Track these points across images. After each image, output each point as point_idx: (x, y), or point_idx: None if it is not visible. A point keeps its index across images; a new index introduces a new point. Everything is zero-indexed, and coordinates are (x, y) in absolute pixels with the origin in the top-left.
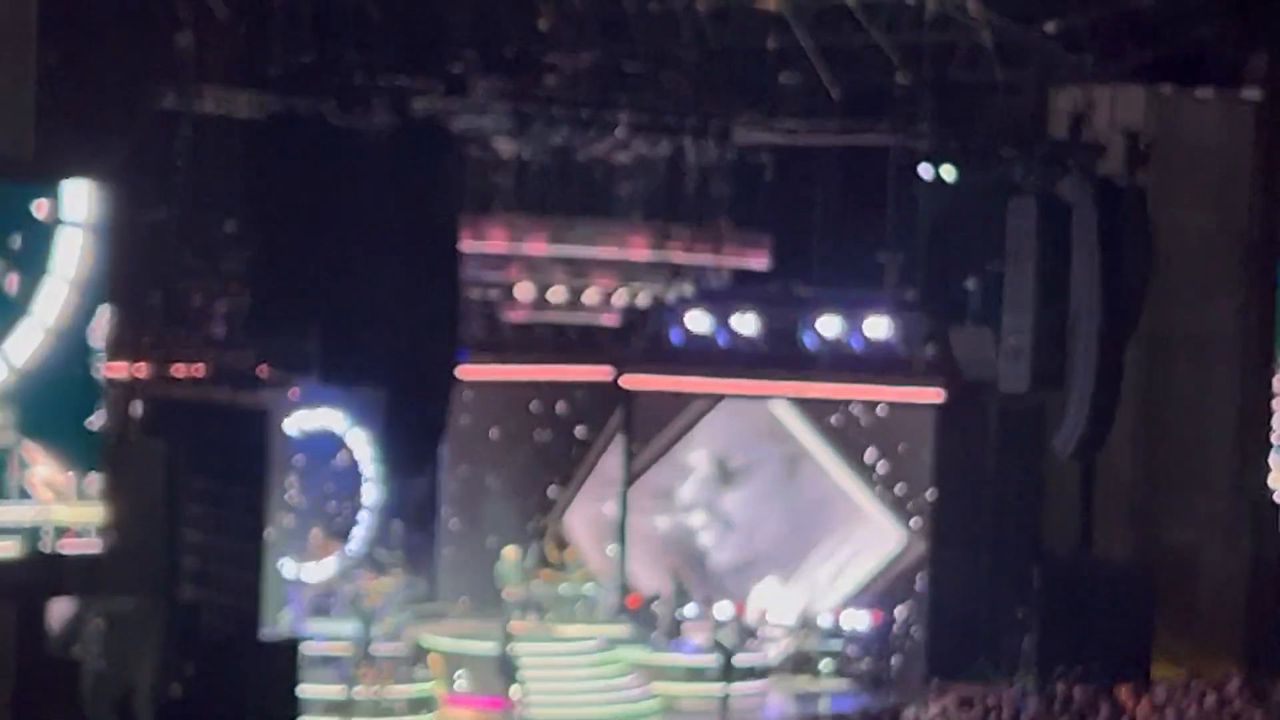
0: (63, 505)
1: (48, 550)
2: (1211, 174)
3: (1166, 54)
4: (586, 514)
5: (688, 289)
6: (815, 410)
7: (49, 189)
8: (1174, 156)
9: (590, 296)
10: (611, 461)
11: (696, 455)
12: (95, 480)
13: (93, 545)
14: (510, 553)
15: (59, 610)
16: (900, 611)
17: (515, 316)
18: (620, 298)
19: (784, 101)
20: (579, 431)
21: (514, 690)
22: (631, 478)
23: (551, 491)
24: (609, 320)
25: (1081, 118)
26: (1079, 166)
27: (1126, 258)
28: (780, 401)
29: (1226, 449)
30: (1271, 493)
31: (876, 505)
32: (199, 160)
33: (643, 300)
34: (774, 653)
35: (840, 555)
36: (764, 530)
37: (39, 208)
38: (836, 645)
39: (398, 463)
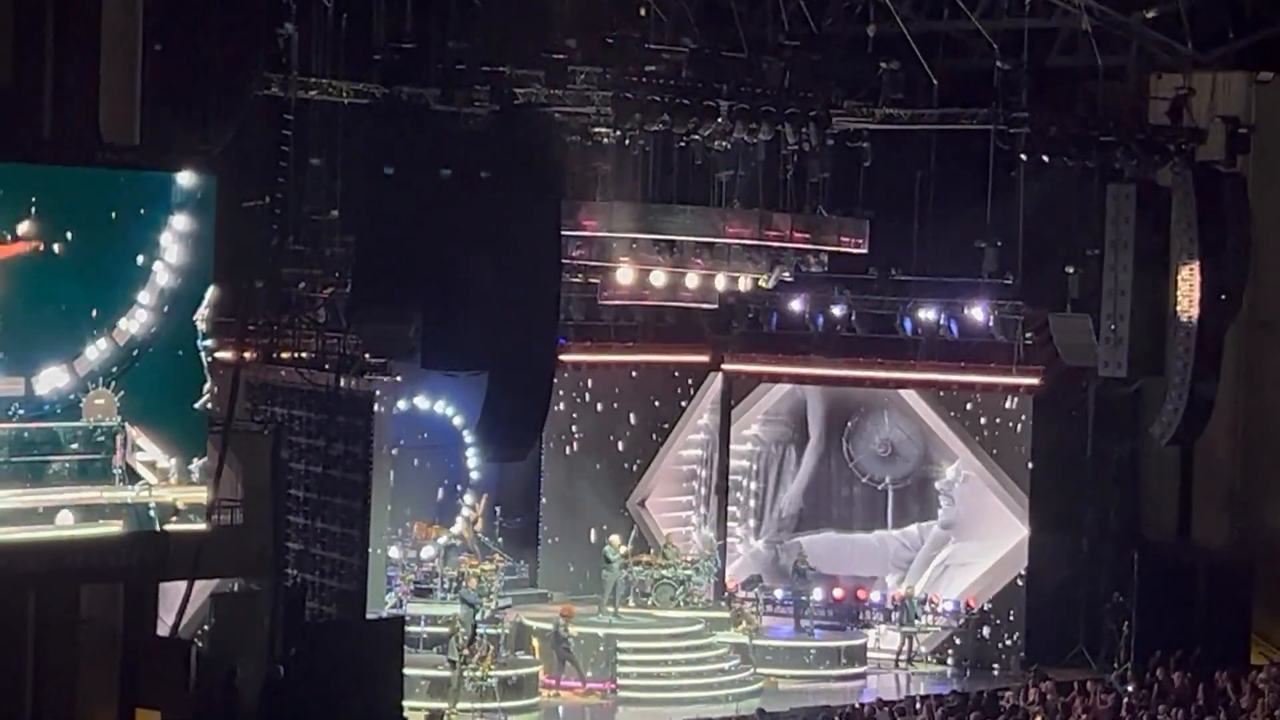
0: (168, 488)
1: (154, 532)
2: None
3: (1266, 39)
4: (684, 498)
5: (786, 274)
6: (940, 397)
7: (155, 176)
8: (1274, 142)
9: (689, 282)
10: (710, 444)
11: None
12: (200, 463)
13: (198, 528)
14: (615, 538)
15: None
16: (999, 596)
17: (615, 301)
18: (719, 283)
19: (883, 87)
20: (678, 416)
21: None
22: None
23: (650, 476)
24: (708, 305)
25: (1181, 103)
26: (1178, 152)
27: (1226, 243)
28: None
29: None
30: None
31: (1002, 493)
32: (303, 147)
33: (742, 285)
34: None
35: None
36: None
37: (145, 195)
38: (936, 629)
39: (499, 447)
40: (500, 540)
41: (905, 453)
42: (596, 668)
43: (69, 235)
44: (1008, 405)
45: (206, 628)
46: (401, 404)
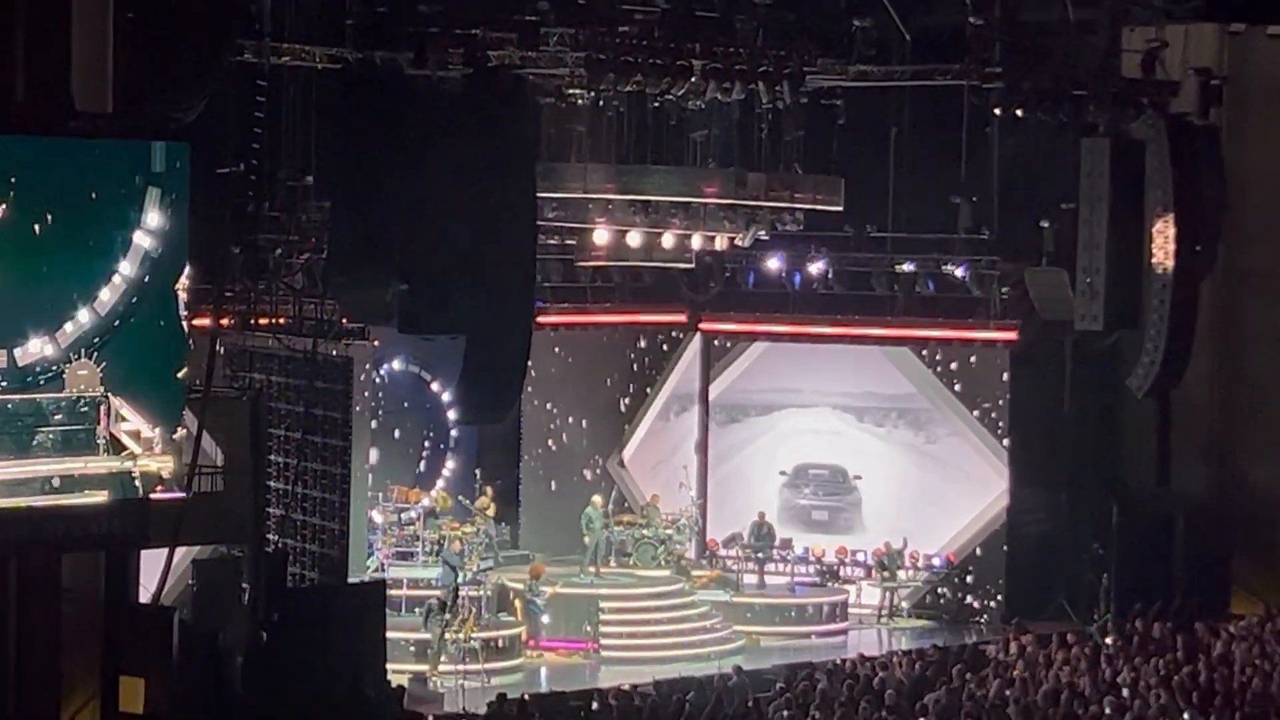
0: (153, 457)
1: (134, 500)
2: None
3: None
4: (664, 458)
5: (762, 233)
6: (917, 352)
7: (129, 145)
8: (1246, 93)
9: (665, 242)
10: (689, 404)
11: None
12: (181, 432)
13: (179, 495)
14: (597, 499)
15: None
16: (979, 550)
17: (591, 262)
18: (695, 242)
19: (856, 45)
20: (657, 376)
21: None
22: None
23: (630, 436)
24: (685, 265)
25: (1154, 56)
26: (1152, 105)
27: (1200, 195)
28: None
29: None
30: None
31: (981, 447)
32: (277, 113)
33: (718, 245)
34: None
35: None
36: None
37: (120, 164)
38: (917, 584)
39: (478, 410)
40: (482, 500)
41: None
42: (578, 628)
43: (49, 206)
44: (985, 360)
45: (189, 595)
46: (381, 368)
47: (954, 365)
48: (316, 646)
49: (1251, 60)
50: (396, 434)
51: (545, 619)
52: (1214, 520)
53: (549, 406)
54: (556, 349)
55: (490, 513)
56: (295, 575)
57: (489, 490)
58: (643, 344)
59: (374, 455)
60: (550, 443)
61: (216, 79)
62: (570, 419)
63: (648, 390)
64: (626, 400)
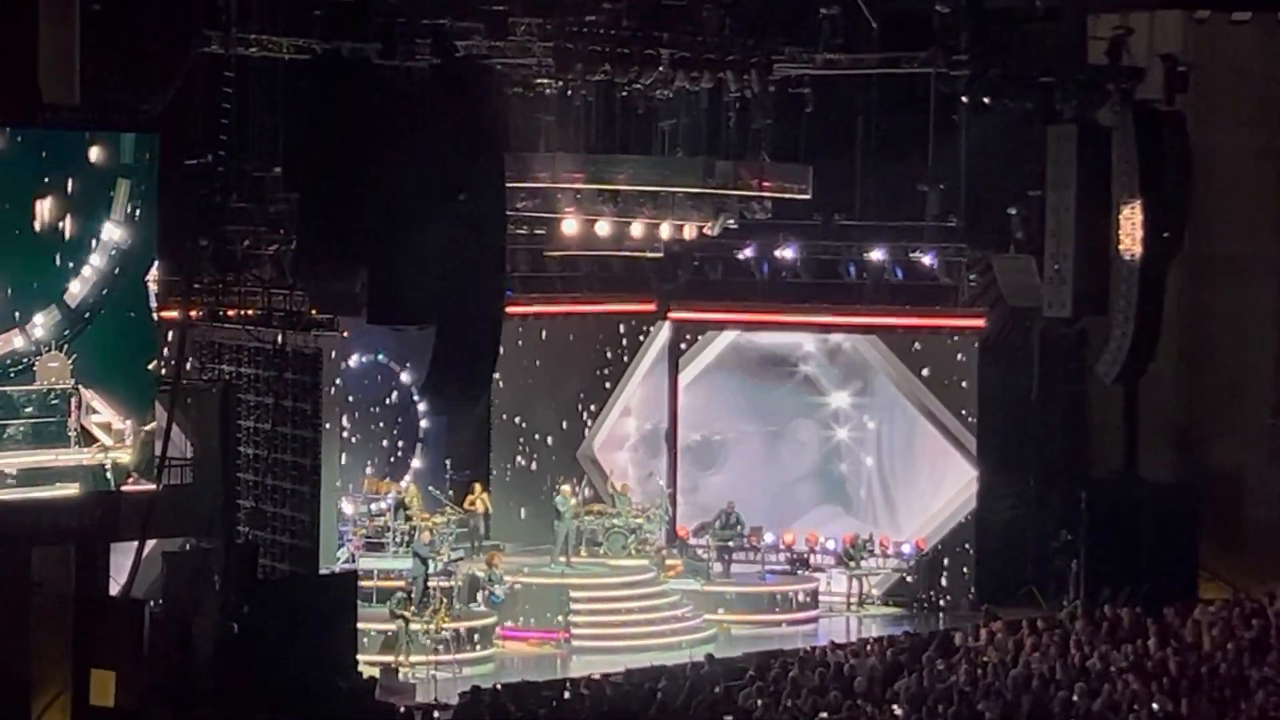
0: (123, 449)
1: (103, 493)
2: (1250, 96)
3: None
4: (634, 447)
5: (731, 221)
6: (886, 340)
7: (96, 137)
8: (1212, 79)
9: (634, 231)
10: (658, 394)
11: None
12: (151, 424)
13: (149, 488)
14: (566, 489)
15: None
16: (948, 537)
17: (560, 252)
18: (664, 231)
19: (823, 33)
20: (626, 366)
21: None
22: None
23: (600, 426)
24: (653, 254)
25: (1120, 43)
26: (1118, 91)
27: (1166, 181)
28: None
29: (1269, 368)
30: None
31: (950, 434)
32: (244, 105)
33: (687, 233)
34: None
35: (919, 485)
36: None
37: (88, 156)
38: (886, 572)
39: (447, 400)
40: (451, 493)
41: None
42: (549, 618)
43: (17, 199)
44: (953, 347)
45: (159, 587)
46: (350, 359)
47: (922, 353)
48: (287, 638)
49: (1217, 46)
50: (366, 425)
51: (501, 607)
52: (1181, 505)
53: (519, 397)
54: (526, 339)
55: (480, 509)
56: (266, 567)
57: (476, 486)
58: (612, 333)
59: (344, 446)
60: (520, 433)
61: (183, 70)
62: (540, 409)
63: (617, 380)
64: (596, 390)
